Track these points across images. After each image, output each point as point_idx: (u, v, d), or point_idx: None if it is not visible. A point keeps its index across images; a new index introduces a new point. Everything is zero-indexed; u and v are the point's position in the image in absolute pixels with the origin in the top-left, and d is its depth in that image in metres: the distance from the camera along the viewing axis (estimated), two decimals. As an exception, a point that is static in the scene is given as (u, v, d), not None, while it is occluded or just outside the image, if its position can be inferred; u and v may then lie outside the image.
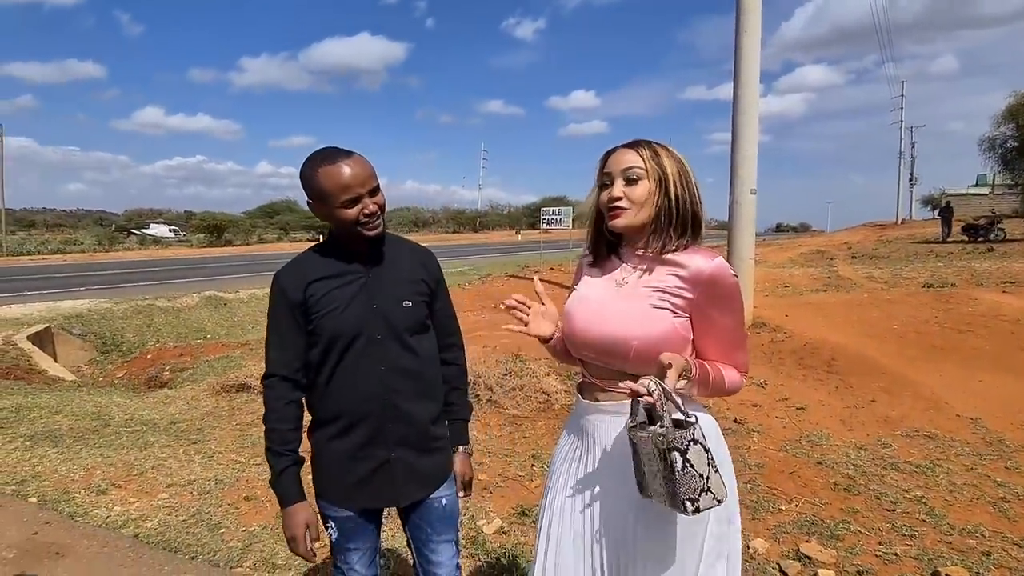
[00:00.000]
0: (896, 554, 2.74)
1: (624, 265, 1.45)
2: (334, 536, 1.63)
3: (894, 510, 3.13)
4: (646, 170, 1.36)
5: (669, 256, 1.36)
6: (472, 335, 7.48)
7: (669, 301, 1.34)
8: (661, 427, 1.19)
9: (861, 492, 3.33)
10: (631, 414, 1.28)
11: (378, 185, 1.54)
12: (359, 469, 1.59)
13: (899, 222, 42.62)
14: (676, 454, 1.17)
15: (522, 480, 3.66)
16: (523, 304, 1.53)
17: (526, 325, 1.52)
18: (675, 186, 1.36)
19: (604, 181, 1.41)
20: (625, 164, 1.37)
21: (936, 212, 24.57)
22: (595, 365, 1.44)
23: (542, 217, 15.65)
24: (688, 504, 1.17)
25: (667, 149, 1.39)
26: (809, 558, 2.73)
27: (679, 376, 1.25)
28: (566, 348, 1.62)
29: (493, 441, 4.25)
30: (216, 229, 41.69)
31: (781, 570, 2.68)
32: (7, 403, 5.19)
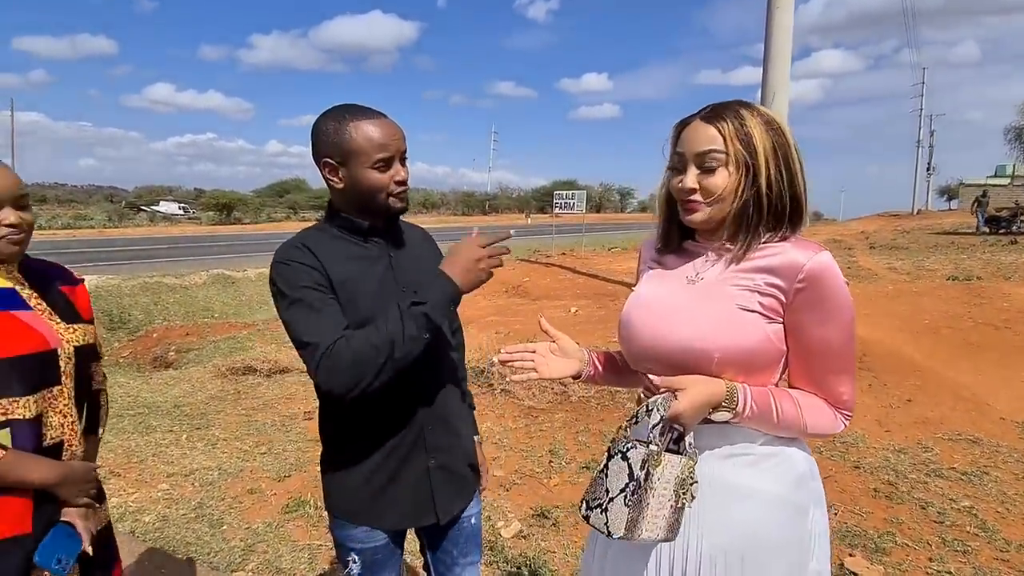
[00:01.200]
0: (950, 572, 2.53)
1: (699, 258, 1.16)
2: (355, 571, 1.39)
3: (943, 522, 2.91)
4: (727, 153, 1.06)
5: (758, 248, 1.09)
6: (484, 320, 7.27)
7: (759, 302, 1.06)
8: (648, 446, 1.01)
9: (905, 501, 3.11)
10: (633, 420, 1.07)
11: (407, 154, 1.33)
12: (393, 483, 1.35)
13: (915, 212, 41.93)
14: (654, 475, 1.01)
15: (540, 477, 3.47)
16: (523, 351, 1.28)
17: (536, 371, 1.27)
18: (768, 170, 1.05)
19: (675, 163, 1.13)
20: (701, 146, 1.08)
21: (972, 205, 23.08)
22: None
23: (555, 201, 15.40)
24: (643, 531, 1.01)
25: (759, 117, 1.08)
26: (855, 574, 2.52)
27: (714, 409, 1.04)
28: (609, 371, 1.36)
29: (508, 434, 4.05)
30: (225, 207, 41.58)
31: (825, 587, 2.47)
32: None
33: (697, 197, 1.10)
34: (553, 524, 2.94)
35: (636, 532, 1.01)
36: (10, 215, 1.26)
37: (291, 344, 1.27)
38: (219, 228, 34.21)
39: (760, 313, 1.06)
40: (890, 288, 8.37)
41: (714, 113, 1.09)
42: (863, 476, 3.37)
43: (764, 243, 1.09)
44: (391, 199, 1.30)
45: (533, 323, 7.38)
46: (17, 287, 1.30)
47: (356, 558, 1.38)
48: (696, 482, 1.03)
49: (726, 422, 1.07)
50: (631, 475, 1.01)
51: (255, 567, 2.57)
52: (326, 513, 1.48)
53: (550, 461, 3.65)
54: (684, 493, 1.01)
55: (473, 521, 1.49)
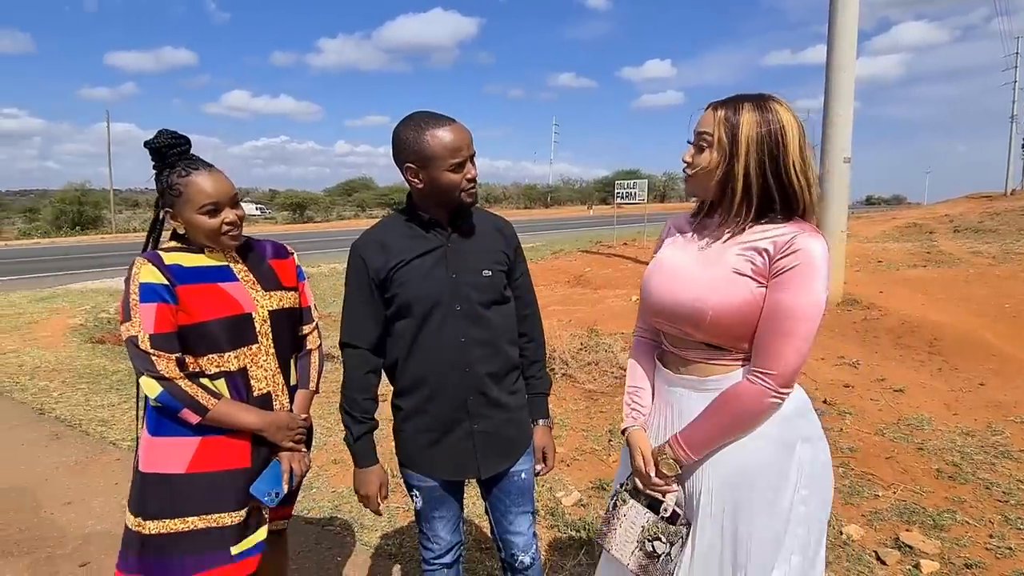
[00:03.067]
0: (1010, 548, 2.53)
1: (713, 229, 1.33)
2: (419, 505, 1.66)
3: (1007, 501, 2.89)
4: (713, 136, 1.23)
5: (761, 224, 1.24)
6: (546, 309, 7.46)
7: (751, 268, 1.21)
8: (657, 516, 1.32)
9: (969, 481, 3.09)
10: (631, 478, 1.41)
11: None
12: (441, 441, 1.60)
13: (1008, 193, 38.90)
14: (661, 544, 1.29)
15: (599, 454, 3.64)
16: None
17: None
18: (746, 158, 1.20)
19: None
20: (700, 127, 1.28)
21: None
22: (674, 335, 1.36)
23: (616, 191, 15.36)
24: None
25: (755, 110, 1.21)
26: (910, 547, 2.57)
27: (660, 469, 1.32)
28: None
29: (569, 415, 4.24)
30: (298, 206, 43.58)
31: (878, 558, 2.53)
32: (122, 367, 5.64)
33: (687, 170, 1.30)
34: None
35: (603, 541, 1.37)
36: (229, 214, 1.56)
37: None
38: (293, 227, 35.86)
39: (751, 277, 1.21)
40: (970, 272, 7.99)
41: (722, 102, 1.26)
42: (926, 457, 3.36)
43: (767, 222, 1.23)
44: (463, 195, 1.52)
45: (594, 311, 7.51)
46: (231, 264, 1.61)
47: (418, 494, 1.67)
48: (659, 540, 1.27)
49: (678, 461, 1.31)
50: (611, 506, 1.43)
51: (342, 523, 2.89)
52: (401, 476, 1.75)
53: (609, 440, 3.81)
54: (649, 540, 1.29)
55: (524, 476, 1.70)
